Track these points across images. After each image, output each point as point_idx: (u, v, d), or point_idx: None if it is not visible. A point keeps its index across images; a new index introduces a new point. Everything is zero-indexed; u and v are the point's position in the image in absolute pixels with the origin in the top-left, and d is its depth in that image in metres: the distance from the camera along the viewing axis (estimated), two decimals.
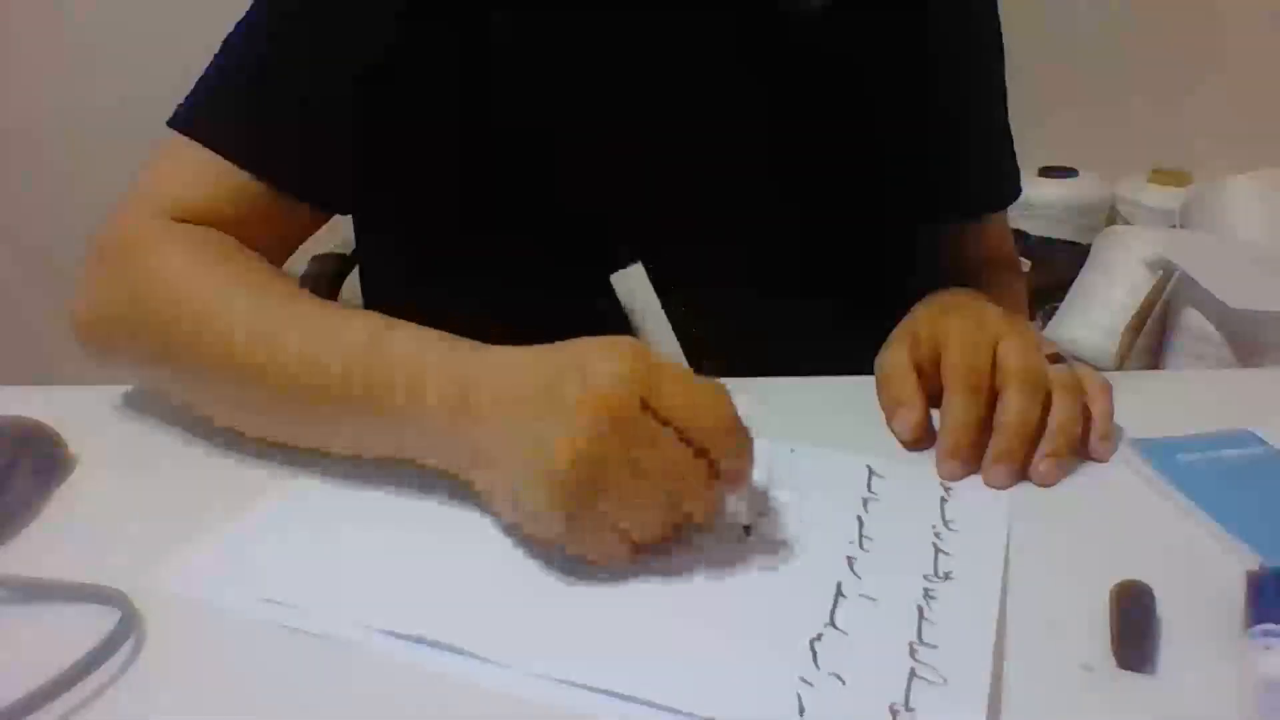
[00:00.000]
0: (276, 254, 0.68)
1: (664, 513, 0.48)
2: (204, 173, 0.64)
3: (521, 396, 0.49)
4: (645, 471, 0.47)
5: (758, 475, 0.52)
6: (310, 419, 0.56)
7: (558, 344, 0.50)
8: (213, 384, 0.58)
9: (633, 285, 0.51)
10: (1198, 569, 0.51)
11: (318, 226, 0.70)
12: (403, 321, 0.56)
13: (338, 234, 0.89)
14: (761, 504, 0.54)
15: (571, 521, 0.47)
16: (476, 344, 0.53)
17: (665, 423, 0.47)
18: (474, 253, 0.72)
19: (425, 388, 0.51)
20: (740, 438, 0.49)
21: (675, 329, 0.55)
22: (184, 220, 0.63)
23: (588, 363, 0.47)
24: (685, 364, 0.52)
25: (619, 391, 0.46)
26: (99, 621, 0.44)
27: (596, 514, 0.47)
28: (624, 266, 0.65)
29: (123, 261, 0.62)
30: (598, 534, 0.48)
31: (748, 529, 0.52)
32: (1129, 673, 0.44)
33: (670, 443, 0.47)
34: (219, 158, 0.64)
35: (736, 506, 0.52)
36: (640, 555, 0.49)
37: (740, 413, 0.49)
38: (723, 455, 0.48)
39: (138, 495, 0.56)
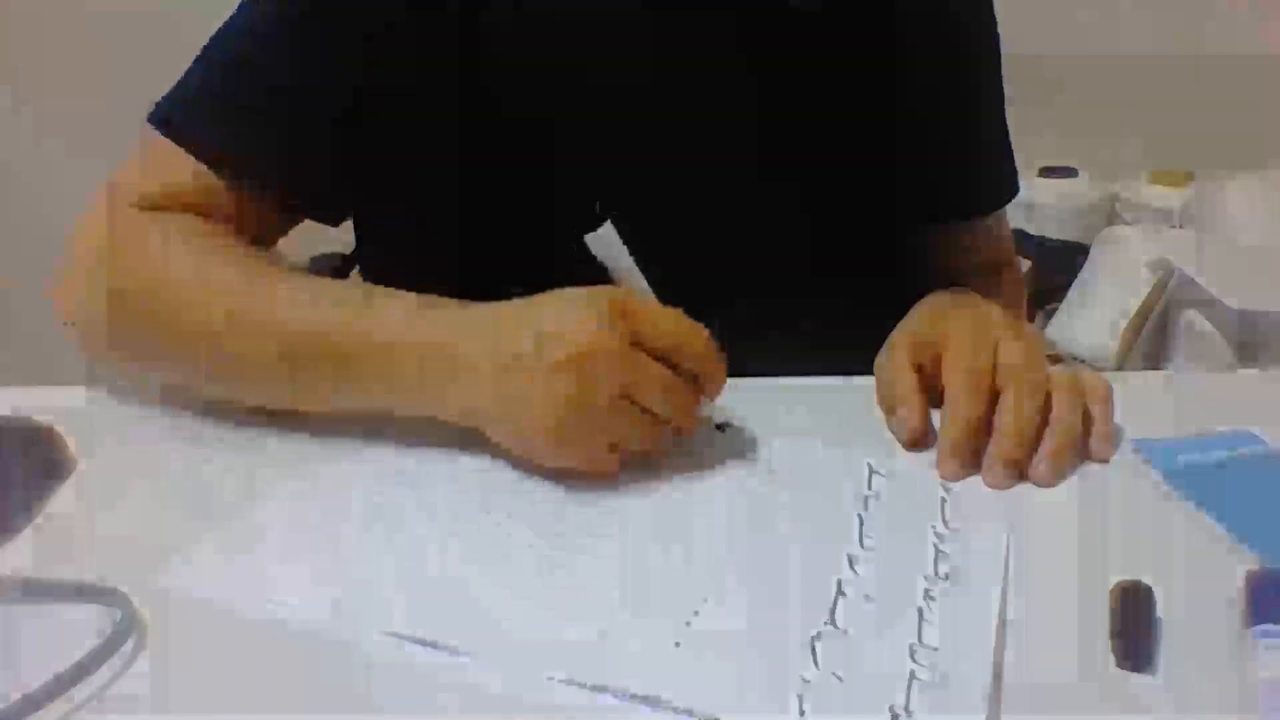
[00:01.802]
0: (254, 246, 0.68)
1: (653, 428, 0.56)
2: (180, 169, 0.65)
3: (514, 354, 0.54)
4: (638, 396, 0.54)
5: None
6: (298, 389, 0.59)
7: (541, 298, 0.56)
8: (205, 361, 0.60)
9: (607, 242, 0.61)
10: (1198, 569, 0.51)
11: (292, 225, 0.71)
12: (382, 289, 0.60)
13: (338, 234, 0.88)
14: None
15: (567, 447, 0.55)
16: (461, 304, 0.58)
17: (654, 353, 0.54)
18: (471, 253, 0.72)
19: (413, 353, 0.56)
20: (714, 352, 0.56)
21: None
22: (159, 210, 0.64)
23: (573, 316, 0.54)
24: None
25: (603, 337, 0.53)
26: (99, 621, 0.44)
27: (591, 438, 0.55)
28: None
29: (106, 259, 0.63)
30: (591, 452, 0.55)
31: (722, 427, 0.61)
32: (1129, 673, 0.44)
33: (659, 373, 0.54)
34: (192, 157, 0.65)
35: (710, 409, 0.60)
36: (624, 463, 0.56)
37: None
38: (707, 375, 0.56)
39: (138, 495, 0.56)
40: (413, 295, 0.59)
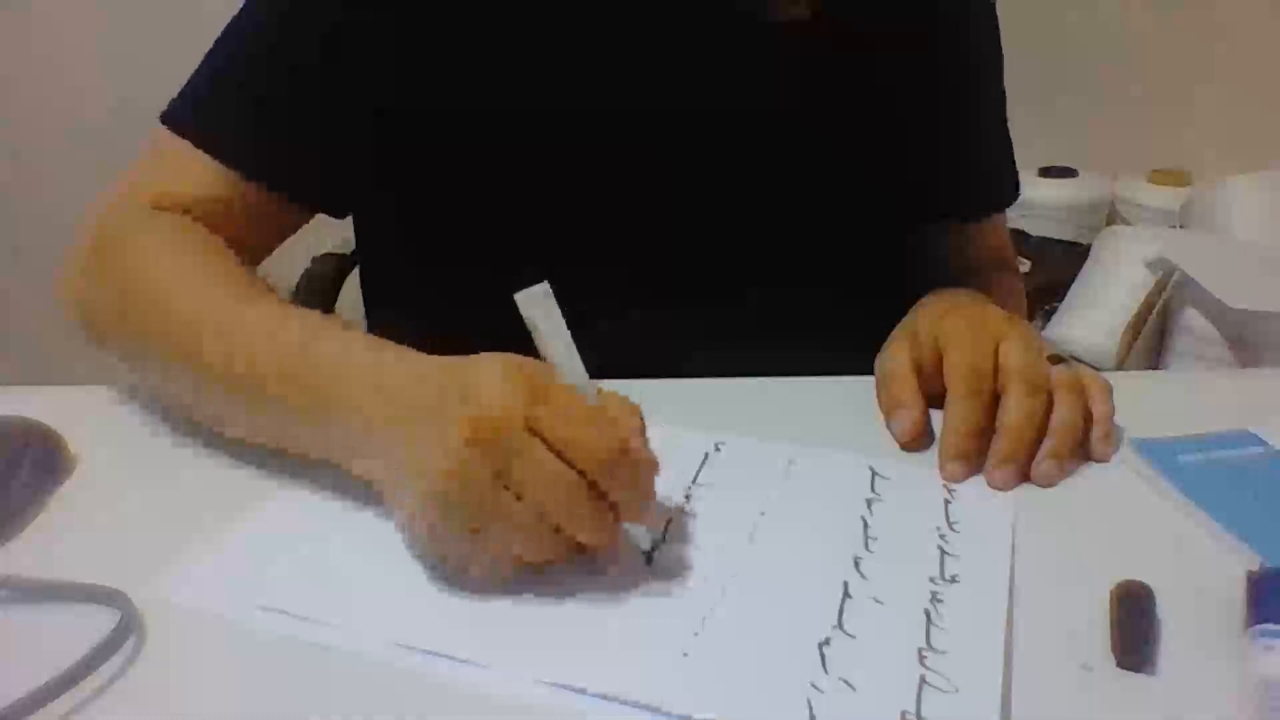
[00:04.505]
0: (261, 248, 0.69)
1: (546, 536, 0.47)
2: (191, 169, 0.65)
3: (417, 411, 0.48)
4: (525, 493, 0.46)
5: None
6: (245, 417, 0.57)
7: (463, 359, 0.49)
8: (170, 374, 0.60)
9: (537, 305, 0.48)
10: (1198, 569, 0.51)
11: (303, 223, 0.71)
12: (335, 325, 0.56)
13: (338, 234, 0.89)
14: (665, 530, 0.52)
15: (445, 538, 0.47)
16: (399, 351, 0.53)
17: (549, 446, 0.46)
18: (469, 254, 0.72)
19: (342, 396, 0.51)
20: (627, 465, 0.47)
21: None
22: (169, 210, 0.64)
23: (478, 382, 0.47)
24: (588, 384, 0.50)
25: (499, 413, 0.46)
26: (99, 621, 0.44)
27: (473, 533, 0.46)
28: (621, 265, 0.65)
29: (108, 252, 0.64)
30: (476, 551, 0.47)
31: (649, 555, 0.50)
32: (1129, 673, 0.44)
33: (551, 466, 0.46)
34: (205, 155, 0.65)
35: (635, 532, 0.50)
36: (532, 570, 0.48)
37: (658, 438, 0.49)
38: (609, 483, 0.47)
39: (138, 495, 0.56)
40: (358, 337, 0.54)
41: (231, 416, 0.58)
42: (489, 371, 0.47)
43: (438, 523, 0.47)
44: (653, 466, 0.49)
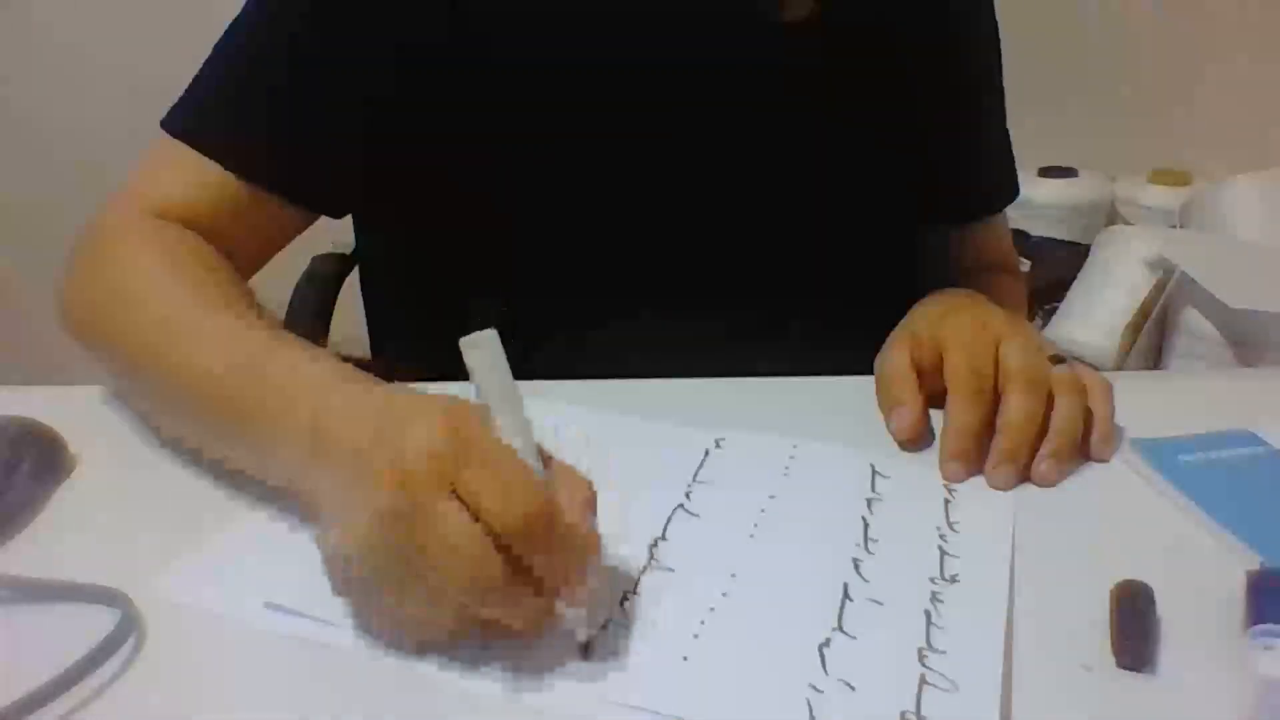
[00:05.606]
0: (261, 253, 0.69)
1: (452, 610, 0.42)
2: (192, 174, 0.65)
3: (349, 454, 0.44)
4: (433, 559, 0.40)
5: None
6: (197, 430, 0.56)
7: (410, 399, 0.45)
8: (134, 381, 0.60)
9: (481, 352, 0.44)
10: (1198, 569, 0.51)
11: (304, 226, 0.71)
12: (295, 342, 0.54)
13: (338, 234, 0.88)
14: (605, 615, 0.46)
15: (352, 599, 0.45)
16: (350, 377, 0.50)
17: (464, 505, 0.41)
18: (470, 253, 0.72)
19: (281, 420, 0.49)
20: (547, 530, 0.41)
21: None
22: (169, 217, 0.64)
23: (406, 432, 0.42)
24: (531, 443, 0.44)
25: (418, 466, 0.41)
26: (99, 621, 0.44)
27: (383, 597, 0.43)
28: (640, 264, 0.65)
29: (98, 253, 0.64)
30: (384, 617, 0.44)
31: (585, 646, 0.44)
32: (1129, 673, 0.44)
33: (460, 530, 0.40)
34: (206, 160, 0.65)
35: (571, 616, 0.44)
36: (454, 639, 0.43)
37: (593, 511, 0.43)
38: (526, 550, 0.41)
39: (138, 495, 0.56)
40: (311, 358, 0.52)
41: (182, 426, 0.57)
42: (419, 419, 0.42)
43: (352, 578, 0.44)
44: (587, 541, 0.43)
